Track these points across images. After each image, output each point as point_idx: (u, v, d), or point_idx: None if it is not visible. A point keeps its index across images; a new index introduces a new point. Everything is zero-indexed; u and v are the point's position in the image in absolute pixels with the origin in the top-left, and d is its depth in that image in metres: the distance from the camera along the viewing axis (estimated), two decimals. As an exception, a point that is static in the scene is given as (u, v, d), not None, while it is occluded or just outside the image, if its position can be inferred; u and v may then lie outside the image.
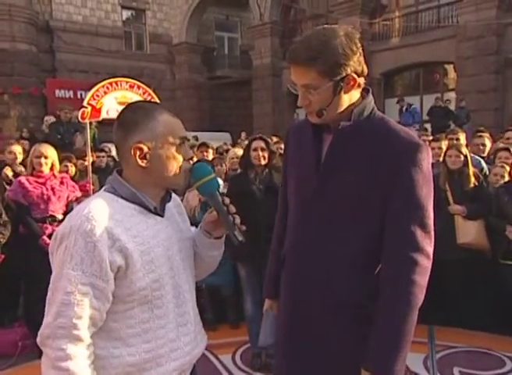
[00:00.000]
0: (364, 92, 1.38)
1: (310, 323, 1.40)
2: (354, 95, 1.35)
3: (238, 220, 1.29)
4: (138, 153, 1.21)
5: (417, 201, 1.28)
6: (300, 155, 1.46)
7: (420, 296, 1.28)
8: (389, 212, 1.30)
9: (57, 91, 14.47)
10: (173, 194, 1.38)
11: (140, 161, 1.22)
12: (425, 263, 1.29)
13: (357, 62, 1.30)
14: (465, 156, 3.78)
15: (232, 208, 1.30)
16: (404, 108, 11.41)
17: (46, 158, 3.55)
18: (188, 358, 1.31)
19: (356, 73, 1.30)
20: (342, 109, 1.34)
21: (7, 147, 5.02)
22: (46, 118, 9.32)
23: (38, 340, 1.15)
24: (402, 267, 1.27)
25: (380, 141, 1.31)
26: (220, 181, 3.85)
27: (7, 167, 4.59)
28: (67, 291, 1.11)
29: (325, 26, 1.36)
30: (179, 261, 1.31)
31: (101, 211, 1.16)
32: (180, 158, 1.27)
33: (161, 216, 1.29)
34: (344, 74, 1.28)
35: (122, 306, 1.19)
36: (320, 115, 1.32)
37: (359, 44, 1.32)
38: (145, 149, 1.21)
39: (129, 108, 1.29)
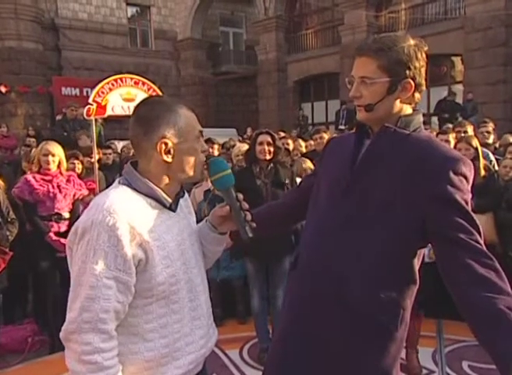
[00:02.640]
0: (415, 111, 1.38)
1: (319, 334, 1.35)
2: (406, 109, 1.35)
3: (249, 217, 1.31)
4: (163, 148, 1.21)
5: (462, 207, 1.24)
6: (337, 158, 1.45)
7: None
8: (432, 223, 1.25)
9: (63, 89, 14.52)
10: None
11: (165, 156, 1.22)
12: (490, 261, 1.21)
13: (418, 71, 1.31)
14: (475, 149, 3.73)
15: (245, 205, 1.31)
16: None
17: (53, 156, 3.55)
18: (203, 351, 1.33)
19: (414, 80, 1.31)
20: (390, 114, 1.33)
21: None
22: (58, 117, 9.30)
23: (62, 335, 1.15)
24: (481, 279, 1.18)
25: (420, 150, 1.29)
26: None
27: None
28: (92, 285, 1.12)
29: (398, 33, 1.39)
30: (191, 255, 1.32)
31: (120, 205, 1.16)
32: (199, 151, 1.28)
33: (174, 211, 1.30)
34: (403, 76, 1.29)
35: (141, 301, 1.20)
36: (368, 109, 1.32)
37: (424, 57, 1.33)
38: (169, 144, 1.22)
39: (148, 103, 1.28)
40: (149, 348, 1.21)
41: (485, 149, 4.31)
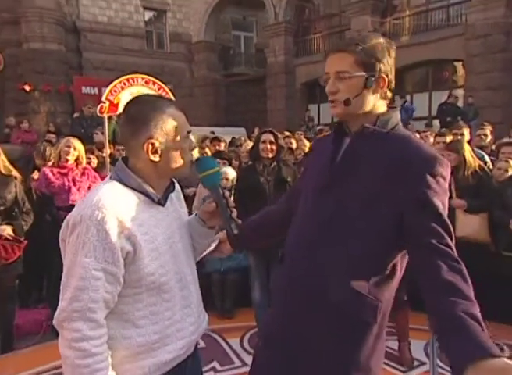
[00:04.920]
0: (390, 109, 1.35)
1: (302, 329, 1.32)
2: (381, 105, 1.33)
3: (235, 214, 1.30)
4: (150, 148, 1.20)
5: (436, 210, 1.18)
6: (320, 158, 1.42)
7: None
8: (407, 224, 1.20)
9: (83, 88, 14.53)
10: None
11: (152, 156, 1.20)
12: (457, 265, 1.15)
13: (389, 67, 1.30)
14: (460, 154, 3.63)
15: (231, 202, 1.30)
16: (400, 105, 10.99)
17: (74, 149, 3.65)
18: (193, 337, 1.34)
19: (387, 77, 1.29)
20: (366, 109, 1.30)
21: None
22: (76, 115, 9.40)
23: (55, 322, 1.17)
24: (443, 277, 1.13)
25: (399, 149, 1.25)
26: (233, 173, 3.87)
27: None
28: (81, 276, 1.12)
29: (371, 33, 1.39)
30: (180, 247, 1.31)
31: (110, 200, 1.15)
32: (187, 149, 1.27)
33: (163, 205, 1.28)
34: (378, 70, 1.28)
35: (132, 290, 1.20)
36: (347, 103, 1.28)
37: (394, 56, 1.32)
38: (157, 144, 1.20)
39: (136, 103, 1.25)
40: (140, 333, 1.21)
41: (480, 151, 4.26)
